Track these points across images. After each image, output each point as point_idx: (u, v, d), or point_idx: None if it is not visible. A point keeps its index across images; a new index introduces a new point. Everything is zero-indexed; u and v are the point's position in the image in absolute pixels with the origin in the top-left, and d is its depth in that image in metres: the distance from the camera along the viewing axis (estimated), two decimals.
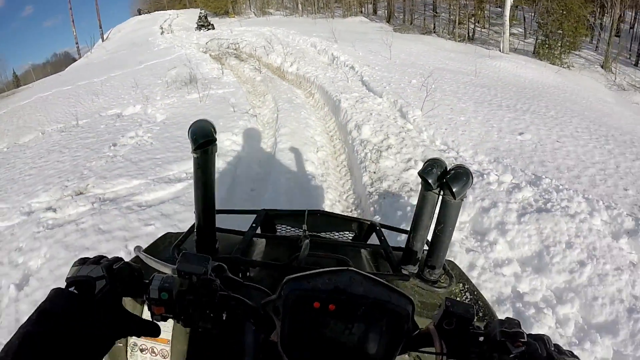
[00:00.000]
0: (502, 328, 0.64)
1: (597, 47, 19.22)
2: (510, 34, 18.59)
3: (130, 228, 3.62)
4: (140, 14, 50.70)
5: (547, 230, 3.17)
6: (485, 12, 23.06)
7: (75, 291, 0.64)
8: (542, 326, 2.44)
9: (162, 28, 31.51)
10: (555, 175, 4.36)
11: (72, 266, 0.69)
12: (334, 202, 3.88)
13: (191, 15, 34.78)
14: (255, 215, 1.30)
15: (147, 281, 0.70)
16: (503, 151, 4.91)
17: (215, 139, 0.99)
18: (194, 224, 1.10)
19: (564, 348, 0.66)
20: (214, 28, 25.90)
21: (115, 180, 4.67)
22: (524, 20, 22.19)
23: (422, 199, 1.04)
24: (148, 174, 4.70)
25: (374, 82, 7.99)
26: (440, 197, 0.99)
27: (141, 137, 6.32)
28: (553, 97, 8.83)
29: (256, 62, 12.42)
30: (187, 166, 4.73)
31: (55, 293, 0.64)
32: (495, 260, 2.97)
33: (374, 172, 4.17)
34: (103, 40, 37.56)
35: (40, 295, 2.97)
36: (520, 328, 0.64)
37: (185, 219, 3.61)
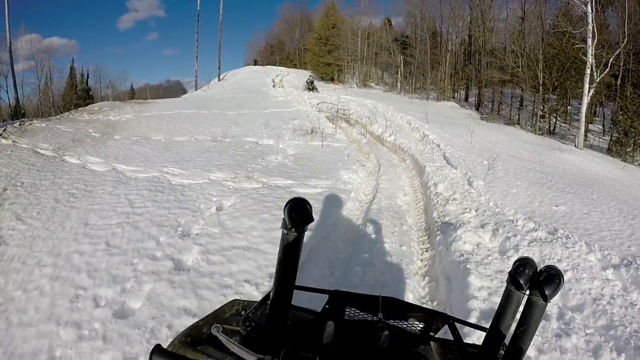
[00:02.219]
0: None
1: None
2: (589, 131, 19.60)
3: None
4: (255, 64, 54.30)
5: (546, 252, 5.01)
6: (569, 107, 24.10)
7: None
8: None
9: (274, 81, 34.46)
10: (570, 230, 5.68)
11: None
12: (412, 225, 6.09)
13: (299, 75, 38.02)
14: (327, 296, 1.32)
15: None
16: (537, 214, 6.62)
17: (312, 220, 1.00)
18: (267, 295, 1.13)
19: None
20: (318, 91, 28.20)
21: (274, 177, 7.06)
22: (604, 117, 22.99)
23: (507, 297, 1.00)
24: (297, 179, 7.01)
25: (453, 158, 10.01)
26: (526, 297, 0.96)
27: (281, 160, 8.61)
28: (605, 187, 10.13)
29: (362, 128, 15.19)
30: (321, 182, 6.94)
31: None
32: (509, 264, 4.85)
33: (441, 212, 6.37)
34: (219, 80, 41.12)
35: (238, 215, 5.34)
36: None
37: (327, 203, 5.89)
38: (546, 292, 0.91)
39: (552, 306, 3.67)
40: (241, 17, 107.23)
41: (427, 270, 4.84)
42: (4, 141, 9.71)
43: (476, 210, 6.36)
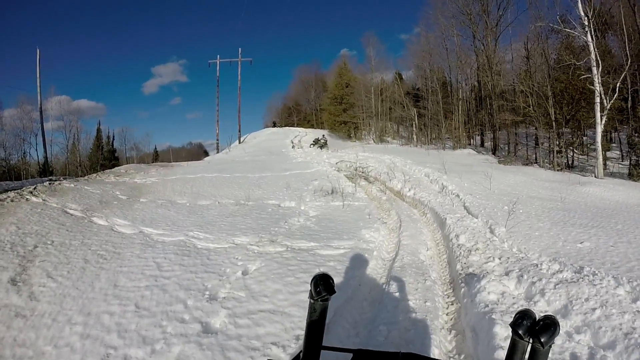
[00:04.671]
0: None
1: None
2: (607, 159, 19.42)
3: (318, 261, 6.14)
4: (274, 126, 57.09)
5: (572, 292, 4.82)
6: (584, 138, 24.01)
7: None
8: (563, 347, 3.59)
9: (292, 142, 36.00)
10: (597, 266, 5.65)
11: None
12: (436, 279, 6.13)
13: (317, 135, 38.38)
14: (351, 355, 1.34)
15: None
16: (562, 254, 6.59)
17: (334, 292, 1.16)
18: (297, 356, 1.23)
19: None
20: (328, 147, 29.33)
21: (297, 240, 7.24)
22: (620, 142, 22.88)
23: (512, 347, 1.05)
24: (320, 241, 7.17)
25: (473, 207, 10.16)
26: (530, 346, 1.01)
27: (304, 222, 8.80)
28: (629, 214, 10.01)
29: (381, 185, 15.41)
30: (344, 243, 7.09)
31: None
32: (537, 311, 4.44)
33: (464, 263, 6.44)
34: (239, 142, 42.80)
35: (263, 278, 5.44)
36: None
37: (347, 266, 5.98)
38: (542, 340, 0.97)
39: (582, 347, 3.68)
40: (259, 80, 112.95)
41: (453, 324, 4.87)
42: (34, 199, 10.23)
43: (499, 258, 6.43)
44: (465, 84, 36.48)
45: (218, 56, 44.22)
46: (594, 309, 4.27)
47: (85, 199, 11.11)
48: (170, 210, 10.12)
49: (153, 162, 41.71)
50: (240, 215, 9.48)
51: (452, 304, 5.43)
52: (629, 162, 19.64)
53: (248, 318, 4.56)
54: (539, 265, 5.87)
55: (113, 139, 49.46)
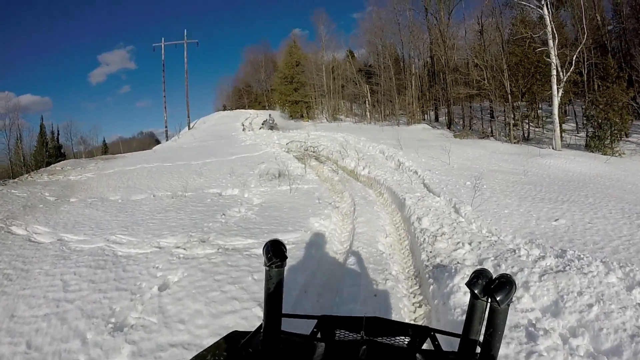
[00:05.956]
0: None
1: None
2: (563, 130, 19.41)
3: (253, 266, 5.07)
4: (224, 110, 55.67)
5: (562, 285, 4.04)
6: (539, 111, 24.15)
7: None
8: (557, 356, 3.04)
9: (243, 125, 34.88)
10: (579, 248, 5.17)
11: None
12: (398, 275, 5.12)
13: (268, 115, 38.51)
14: (315, 321, 1.40)
15: None
16: (537, 234, 5.90)
17: (286, 257, 1.17)
18: (260, 325, 1.23)
19: None
20: (278, 129, 28.61)
21: (233, 237, 6.28)
22: (575, 115, 23.15)
23: (471, 307, 1.08)
24: (259, 237, 6.23)
25: (434, 184, 9.30)
26: (488, 305, 1.03)
27: (244, 213, 7.91)
28: (596, 186, 9.68)
29: (333, 164, 14.33)
30: (288, 236, 6.14)
31: None
32: (521, 309, 3.75)
33: (430, 252, 5.45)
34: (189, 129, 41.12)
35: (182, 295, 4.42)
36: None
37: (291, 267, 4.83)
38: (497, 299, 0.98)
39: (581, 354, 3.07)
40: (209, 64, 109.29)
41: None
42: None
43: (470, 244, 5.53)
44: (418, 60, 35.98)
45: (162, 39, 41.92)
46: (590, 305, 3.64)
47: (8, 204, 10.15)
48: (99, 210, 9.36)
49: (103, 155, 39.17)
50: (174, 210, 8.60)
51: (419, 306, 4.44)
52: (585, 134, 19.95)
53: (154, 358, 3.46)
54: (516, 251, 5.09)
55: (58, 135, 45.75)
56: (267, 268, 1.17)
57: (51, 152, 41.72)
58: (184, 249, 5.92)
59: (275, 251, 1.16)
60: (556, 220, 6.58)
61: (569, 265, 4.42)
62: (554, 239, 5.72)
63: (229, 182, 11.22)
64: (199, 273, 4.97)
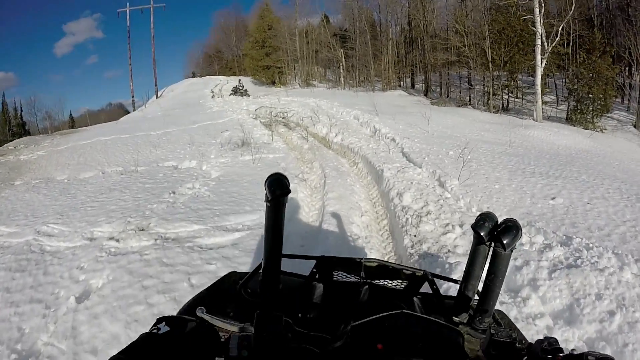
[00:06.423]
0: (543, 346, 0.78)
1: (628, 107, 19.59)
2: (543, 102, 19.03)
3: (192, 265, 4.18)
4: (194, 77, 53.86)
5: (577, 285, 3.41)
6: (518, 82, 23.62)
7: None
8: None
9: (212, 92, 33.82)
10: (585, 235, 4.58)
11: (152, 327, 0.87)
12: None
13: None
14: (315, 261, 1.39)
15: (223, 340, 0.83)
16: (536, 215, 5.21)
17: (290, 191, 1.07)
18: (259, 265, 1.17)
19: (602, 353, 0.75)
20: (248, 95, 27.59)
21: (176, 223, 5.37)
22: (556, 87, 22.74)
23: (474, 250, 1.07)
24: (207, 222, 5.36)
25: (414, 153, 8.42)
26: (491, 249, 1.01)
27: (198, 189, 7.09)
28: (585, 162, 9.19)
29: (303, 131, 13.19)
30: (244, 219, 5.33)
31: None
32: (529, 314, 3.13)
33: (415, 236, 4.61)
34: (157, 97, 39.87)
35: (101, 310, 3.55)
36: (558, 345, 0.77)
37: (244, 262, 4.12)
38: (504, 242, 0.96)
39: None
40: (178, 30, 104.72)
41: None
42: None
43: (461, 227, 4.71)
44: (396, 25, 35.16)
45: (127, 4, 39.60)
46: (611, 313, 3.06)
47: None
48: (39, 194, 8.50)
49: (69, 129, 37.19)
50: (118, 189, 7.69)
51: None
52: (567, 107, 19.70)
53: None
54: None
55: (22, 111, 43.75)
56: (268, 203, 1.07)
57: (15, 130, 39.91)
58: (117, 240, 4.97)
59: (278, 184, 1.06)
60: (553, 199, 5.87)
61: (579, 257, 3.81)
62: (555, 222, 5.03)
63: (187, 153, 10.34)
64: (126, 277, 4.04)
